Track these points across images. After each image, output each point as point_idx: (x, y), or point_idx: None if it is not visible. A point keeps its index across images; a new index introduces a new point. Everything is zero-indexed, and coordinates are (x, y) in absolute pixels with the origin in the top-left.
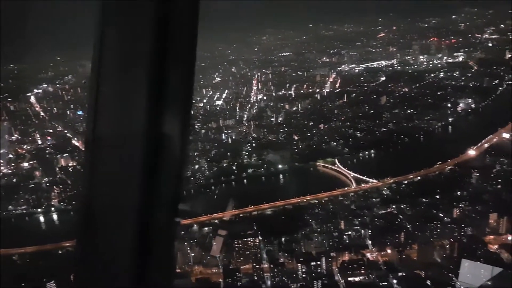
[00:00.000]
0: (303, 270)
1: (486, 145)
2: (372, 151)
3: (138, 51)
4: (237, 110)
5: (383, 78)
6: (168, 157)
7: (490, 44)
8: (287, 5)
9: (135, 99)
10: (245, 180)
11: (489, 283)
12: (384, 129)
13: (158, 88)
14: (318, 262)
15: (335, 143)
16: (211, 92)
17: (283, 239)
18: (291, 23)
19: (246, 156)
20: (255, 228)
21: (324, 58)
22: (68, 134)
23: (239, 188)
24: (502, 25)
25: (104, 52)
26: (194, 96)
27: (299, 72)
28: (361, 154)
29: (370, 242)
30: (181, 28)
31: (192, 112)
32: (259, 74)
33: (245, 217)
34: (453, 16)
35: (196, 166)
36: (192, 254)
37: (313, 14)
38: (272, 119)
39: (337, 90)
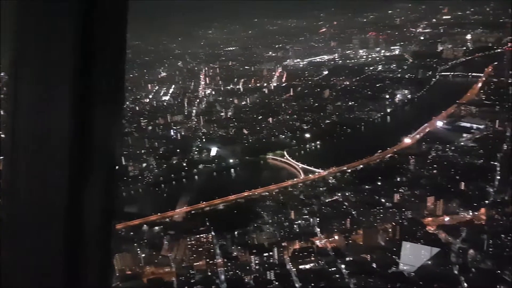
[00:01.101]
0: (256, 261)
1: (421, 133)
2: (318, 142)
3: (60, 49)
4: (185, 106)
5: (326, 72)
6: (98, 157)
7: (422, 38)
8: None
9: (57, 99)
10: (196, 176)
11: (429, 262)
12: (328, 121)
13: (83, 87)
14: (270, 253)
15: (283, 136)
16: (157, 87)
17: (236, 233)
18: (237, 17)
19: (196, 152)
20: (207, 224)
21: (270, 52)
22: None
23: (190, 185)
24: (434, 20)
25: (22, 50)
26: (139, 91)
27: (246, 67)
28: (308, 145)
29: (318, 229)
30: (107, 25)
31: (123, 110)
32: (206, 68)
33: (197, 213)
34: (389, 11)
35: (144, 164)
36: (143, 255)
37: (258, 9)
38: (222, 113)
39: (284, 84)
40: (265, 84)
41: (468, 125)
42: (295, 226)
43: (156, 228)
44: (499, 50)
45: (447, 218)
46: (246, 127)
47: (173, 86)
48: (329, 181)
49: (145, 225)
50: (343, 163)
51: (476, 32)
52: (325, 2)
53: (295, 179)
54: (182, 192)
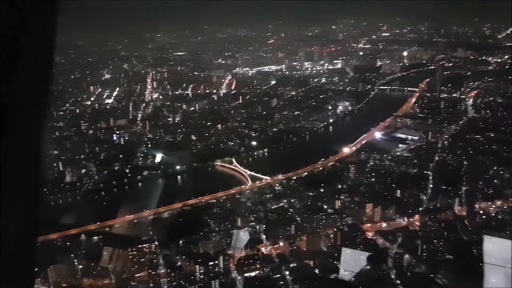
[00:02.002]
0: (201, 271)
1: (361, 143)
2: (266, 149)
3: None
4: (130, 109)
5: (274, 82)
6: (19, 163)
7: (362, 53)
8: (182, 4)
9: None
10: (139, 183)
11: (368, 267)
12: (276, 129)
13: (3, 89)
14: (216, 262)
15: (232, 143)
16: (100, 89)
17: (180, 242)
18: (186, 22)
19: (141, 158)
20: (150, 233)
21: (220, 60)
22: None
23: (134, 192)
24: (374, 36)
25: None
26: (80, 93)
27: (195, 73)
28: (256, 152)
29: (264, 236)
30: (32, 27)
31: (49, 113)
32: (154, 72)
33: (140, 222)
34: (333, 26)
35: (84, 170)
36: (80, 266)
37: (208, 15)
38: (169, 119)
39: (233, 92)
40: (214, 91)
41: (403, 136)
42: (244, 232)
43: (95, 238)
44: (432, 67)
45: (384, 224)
46: (195, 133)
47: (118, 88)
48: (276, 188)
49: (83, 235)
50: (289, 170)
51: (412, 50)
52: (273, 14)
53: (242, 186)
54: (124, 200)
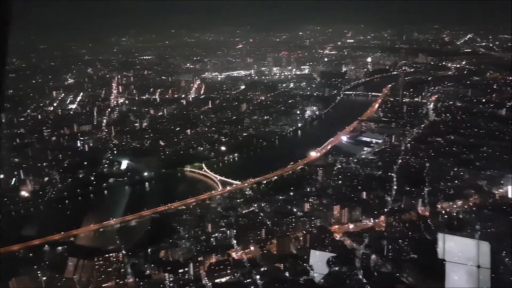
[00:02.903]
0: (171, 279)
1: (328, 147)
2: (236, 154)
3: None
4: (95, 115)
5: (243, 87)
6: None
7: (327, 59)
8: (148, 7)
9: None
10: (105, 191)
11: (336, 269)
12: (245, 134)
13: None
14: (186, 269)
15: (201, 148)
16: (63, 94)
17: (149, 250)
18: (153, 27)
19: (106, 165)
20: (117, 242)
21: (188, 64)
22: None
23: (99, 200)
24: (339, 43)
25: None
26: (42, 99)
27: (163, 77)
28: (226, 157)
29: (235, 241)
30: None
31: (1, 120)
32: (119, 76)
33: (106, 231)
34: (300, 33)
35: (46, 178)
36: (44, 278)
37: (175, 19)
38: (136, 124)
39: (202, 96)
40: (183, 96)
41: (368, 139)
42: (212, 239)
43: (59, 248)
44: (395, 73)
45: (351, 226)
46: (163, 138)
47: (81, 93)
48: (246, 192)
49: (46, 246)
50: (259, 174)
51: (375, 56)
52: (241, 20)
53: (213, 192)
54: (89, 209)
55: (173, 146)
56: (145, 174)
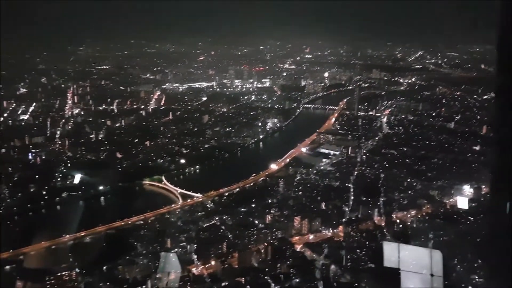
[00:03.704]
0: None
1: (289, 158)
2: (197, 166)
3: None
4: (48, 126)
5: (205, 98)
6: None
7: (285, 74)
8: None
9: None
10: (58, 206)
11: (297, 280)
12: (207, 145)
13: None
14: (144, 286)
15: (161, 160)
16: (14, 104)
17: (104, 267)
18: (112, 36)
19: (59, 179)
20: (71, 260)
21: (148, 75)
22: None
23: (51, 216)
24: (298, 58)
25: None
26: None
27: (121, 87)
28: (187, 170)
29: (195, 256)
30: None
31: None
32: (75, 86)
33: (59, 248)
34: (261, 47)
35: None
36: None
37: (134, 29)
38: (92, 136)
39: (162, 108)
40: (142, 106)
41: (326, 151)
42: (172, 255)
43: (7, 267)
44: (350, 87)
45: (311, 236)
46: (120, 150)
47: (34, 104)
48: (207, 205)
49: None
50: (221, 186)
51: (332, 71)
52: (202, 32)
53: (173, 205)
54: (41, 225)
55: (131, 158)
56: (101, 188)
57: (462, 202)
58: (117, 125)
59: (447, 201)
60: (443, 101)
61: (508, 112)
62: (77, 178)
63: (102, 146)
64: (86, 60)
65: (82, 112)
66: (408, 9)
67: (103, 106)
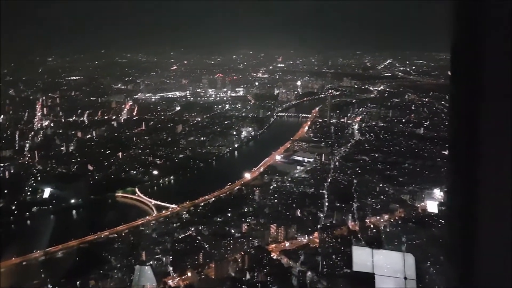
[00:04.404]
0: None
1: (264, 166)
2: (172, 177)
3: None
4: (17, 139)
5: (178, 108)
6: None
7: (258, 83)
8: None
9: None
10: (28, 221)
11: None
12: (182, 156)
13: None
14: None
15: (134, 172)
16: None
17: (78, 283)
18: (81, 46)
19: (29, 193)
20: (43, 275)
21: (120, 85)
22: None
23: (21, 231)
24: (271, 67)
25: None
26: None
27: (92, 98)
28: (161, 180)
29: (171, 268)
30: None
31: None
32: (44, 98)
33: (29, 265)
34: (234, 56)
35: None
36: None
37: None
38: (62, 148)
39: (135, 118)
40: (114, 117)
41: (300, 158)
42: (146, 267)
43: None
44: (322, 95)
45: (287, 244)
46: (92, 162)
47: (2, 116)
48: (183, 216)
49: None
50: (197, 197)
51: (304, 80)
52: (175, 42)
53: (147, 217)
54: (10, 240)
55: (103, 170)
56: (72, 201)
57: (432, 206)
58: (88, 136)
59: (418, 205)
60: (412, 108)
61: (461, 116)
62: (47, 191)
63: (73, 158)
64: (55, 70)
65: (52, 124)
66: (377, 18)
67: (74, 118)
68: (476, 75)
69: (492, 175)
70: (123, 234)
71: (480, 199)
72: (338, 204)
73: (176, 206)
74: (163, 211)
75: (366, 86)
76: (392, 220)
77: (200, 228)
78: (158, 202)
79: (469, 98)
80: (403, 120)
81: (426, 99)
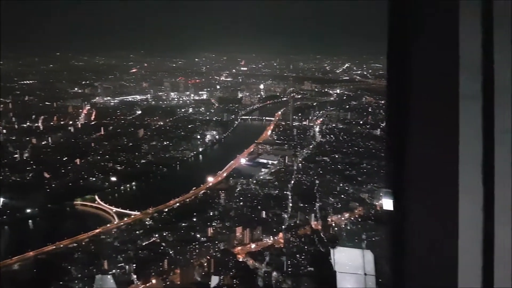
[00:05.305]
0: None
1: (229, 170)
2: (134, 183)
3: None
4: None
5: (139, 112)
6: None
7: (219, 87)
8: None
9: None
10: None
11: None
12: (144, 161)
13: None
14: None
15: (94, 178)
16: None
17: None
18: (35, 49)
19: None
20: None
21: (76, 89)
22: None
23: None
24: (234, 70)
25: None
26: None
27: (47, 103)
28: (122, 187)
29: (135, 276)
30: None
31: None
32: None
33: None
34: (196, 59)
35: None
36: None
37: (61, 42)
38: (16, 155)
39: (93, 123)
40: (70, 122)
41: (265, 161)
42: (108, 277)
43: None
44: (284, 99)
45: (253, 245)
46: (48, 170)
47: None
48: (146, 223)
49: None
50: (161, 202)
51: (267, 83)
52: (134, 44)
53: (108, 225)
54: None
55: (60, 178)
56: (28, 210)
57: (387, 204)
58: (43, 143)
59: (376, 203)
60: (369, 110)
61: (398, 118)
62: (1, 202)
63: (27, 166)
64: (7, 75)
65: (5, 131)
66: (334, 22)
67: (28, 123)
68: (402, 77)
69: (418, 175)
70: (83, 244)
71: (406, 199)
72: (302, 205)
73: (138, 213)
74: (125, 219)
75: (326, 90)
76: (352, 218)
77: (164, 234)
78: (120, 210)
79: (398, 98)
80: (361, 122)
81: (382, 102)
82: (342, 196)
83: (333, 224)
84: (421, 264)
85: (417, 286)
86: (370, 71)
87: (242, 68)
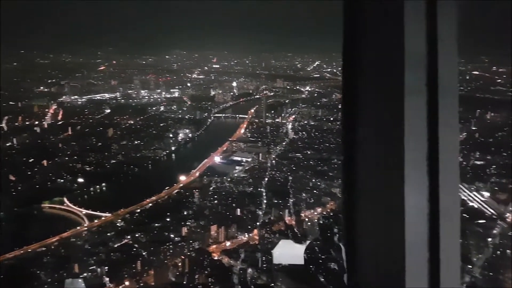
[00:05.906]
0: None
1: (203, 168)
2: (104, 184)
3: None
4: None
5: (108, 111)
6: None
7: (194, 83)
8: None
9: None
10: None
11: None
12: (114, 161)
13: None
14: None
15: (62, 180)
16: None
17: None
18: None
19: None
20: None
21: (42, 87)
22: None
23: None
24: (206, 67)
25: None
26: None
27: (11, 102)
28: (92, 188)
29: (107, 279)
30: None
31: None
32: None
33: None
34: (167, 56)
35: None
36: None
37: (24, 40)
38: None
39: (60, 123)
40: (36, 122)
41: (239, 158)
42: (80, 280)
43: None
44: (257, 96)
45: (228, 243)
46: (13, 172)
47: None
48: (118, 224)
49: None
50: (133, 203)
51: (240, 80)
52: (101, 41)
53: (78, 228)
54: None
55: (26, 180)
56: None
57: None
58: (8, 144)
59: None
60: (339, 107)
61: (350, 115)
62: None
63: None
64: None
65: None
66: (303, 20)
67: None
68: (354, 75)
69: (366, 169)
70: (53, 247)
71: (355, 193)
72: (276, 201)
73: (109, 214)
74: (96, 221)
75: (298, 87)
76: (324, 213)
77: (137, 235)
78: (90, 212)
79: (351, 96)
80: (332, 119)
81: None
82: (315, 191)
83: (306, 219)
84: (370, 260)
85: (366, 279)
86: (339, 68)
87: (214, 65)
